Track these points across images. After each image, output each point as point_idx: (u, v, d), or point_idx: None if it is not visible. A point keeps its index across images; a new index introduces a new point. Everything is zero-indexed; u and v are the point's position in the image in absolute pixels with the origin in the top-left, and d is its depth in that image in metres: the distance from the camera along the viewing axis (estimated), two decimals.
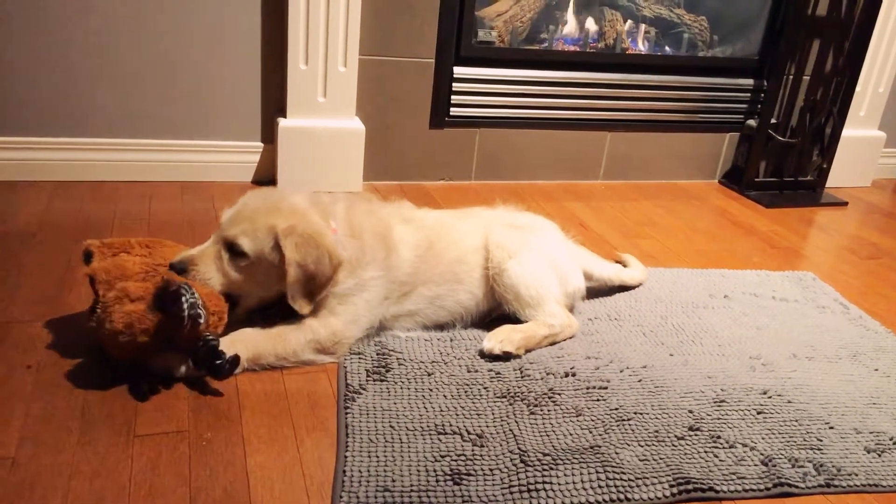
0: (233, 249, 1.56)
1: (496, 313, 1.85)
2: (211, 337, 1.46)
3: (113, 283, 1.48)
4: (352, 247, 1.65)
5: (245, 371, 1.57)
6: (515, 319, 1.80)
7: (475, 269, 1.81)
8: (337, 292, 1.63)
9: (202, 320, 1.43)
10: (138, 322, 1.41)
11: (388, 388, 1.55)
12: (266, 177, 2.70)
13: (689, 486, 1.35)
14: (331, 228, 1.63)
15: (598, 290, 2.08)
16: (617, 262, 2.21)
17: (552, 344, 1.79)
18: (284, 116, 2.59)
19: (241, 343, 1.55)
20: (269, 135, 2.67)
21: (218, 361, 1.45)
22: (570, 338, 1.83)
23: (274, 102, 2.65)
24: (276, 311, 1.65)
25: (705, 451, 1.45)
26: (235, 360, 1.48)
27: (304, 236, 1.54)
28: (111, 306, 1.43)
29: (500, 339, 1.70)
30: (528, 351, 1.73)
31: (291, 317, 1.62)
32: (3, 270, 1.88)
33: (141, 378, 1.49)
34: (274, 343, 1.58)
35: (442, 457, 1.36)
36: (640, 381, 1.67)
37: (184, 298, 1.41)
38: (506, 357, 1.69)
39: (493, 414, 1.50)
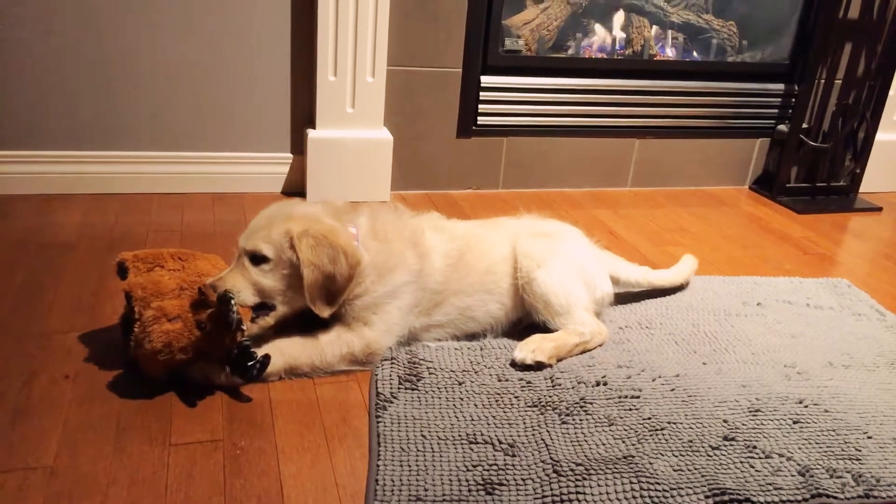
0: (254, 258, 1.58)
1: (526, 322, 1.84)
2: (246, 341, 1.50)
3: (149, 301, 1.50)
4: (376, 250, 1.66)
5: (280, 379, 1.59)
6: (544, 328, 1.79)
7: (504, 279, 1.81)
8: (369, 302, 1.64)
9: (244, 326, 1.49)
10: (176, 341, 1.45)
11: (419, 397, 1.56)
12: (296, 187, 2.72)
13: (726, 497, 1.33)
14: (349, 232, 1.65)
15: (628, 298, 2.07)
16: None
17: (583, 352, 1.78)
18: (313, 127, 2.61)
19: (279, 353, 1.57)
20: (298, 146, 2.70)
21: (250, 363, 1.49)
22: (600, 345, 1.82)
23: (303, 114, 2.67)
24: (311, 321, 1.66)
25: (741, 462, 1.43)
26: (266, 360, 1.51)
27: (317, 237, 1.56)
28: (150, 326, 1.45)
29: (531, 348, 1.70)
30: (559, 360, 1.73)
31: (326, 324, 1.63)
32: (41, 282, 1.92)
33: (180, 387, 1.52)
34: (310, 355, 1.60)
35: (474, 466, 1.36)
36: (672, 390, 1.65)
37: (233, 301, 1.47)
38: (538, 367, 1.69)
39: (524, 423, 1.50)
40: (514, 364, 1.69)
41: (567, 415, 1.53)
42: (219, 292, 1.49)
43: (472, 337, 1.80)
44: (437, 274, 1.73)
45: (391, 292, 1.67)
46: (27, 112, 2.42)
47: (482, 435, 1.45)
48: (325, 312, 1.59)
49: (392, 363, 1.66)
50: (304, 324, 1.67)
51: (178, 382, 1.53)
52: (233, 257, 1.64)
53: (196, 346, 1.48)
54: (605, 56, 3.03)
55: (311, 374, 1.61)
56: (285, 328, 1.67)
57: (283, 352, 1.58)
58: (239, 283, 1.57)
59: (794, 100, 3.14)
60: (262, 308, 1.60)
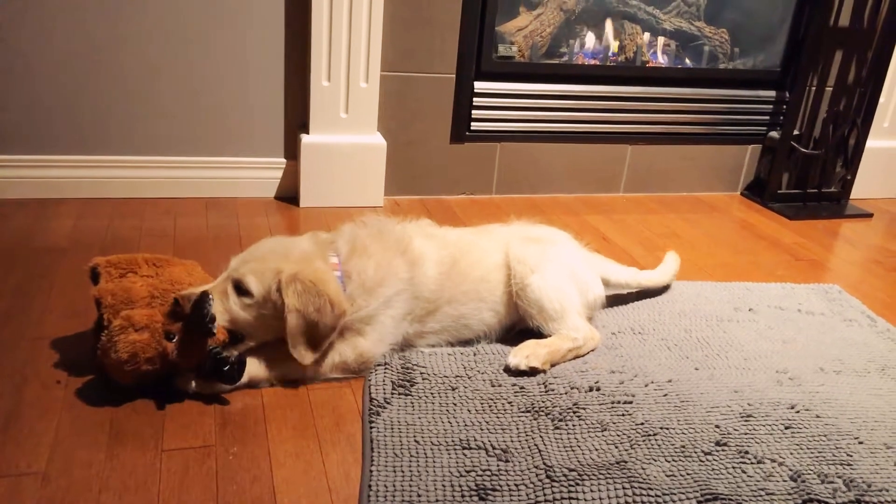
0: (239, 288, 1.55)
1: (519, 327, 1.85)
2: (215, 348, 1.49)
3: (118, 308, 1.49)
4: (359, 268, 1.64)
5: (272, 386, 1.59)
6: (538, 333, 1.80)
7: (499, 287, 1.81)
8: (361, 315, 1.63)
9: (214, 330, 1.48)
10: (142, 351, 1.44)
11: (412, 403, 1.56)
12: (289, 192, 2.72)
13: (717, 502, 1.33)
14: (332, 265, 1.63)
15: (620, 304, 2.08)
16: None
17: (576, 357, 1.78)
18: (307, 132, 2.61)
19: (269, 362, 1.57)
20: (291, 151, 2.70)
21: (226, 367, 1.48)
22: (593, 350, 1.82)
23: (297, 119, 2.68)
24: None
25: (733, 467, 1.43)
26: (242, 358, 1.51)
27: (305, 284, 1.53)
28: (116, 336, 1.44)
29: (525, 354, 1.70)
30: (553, 365, 1.73)
31: None
32: (33, 287, 1.91)
33: (172, 393, 1.52)
34: (299, 365, 1.58)
35: (467, 472, 1.36)
36: (665, 395, 1.66)
37: (208, 304, 1.46)
38: (532, 372, 1.69)
39: (517, 429, 1.50)
40: (508, 370, 1.70)
41: (560, 420, 1.53)
42: (196, 297, 1.47)
43: (465, 343, 1.80)
44: (430, 282, 1.72)
45: (383, 304, 1.66)
46: (20, 117, 2.41)
47: (475, 440, 1.45)
48: (307, 359, 1.55)
49: (385, 368, 1.66)
50: None
51: (153, 390, 1.52)
52: (222, 265, 1.63)
53: (163, 356, 1.46)
54: (598, 63, 3.04)
55: (304, 383, 1.61)
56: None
57: (275, 361, 1.58)
58: (216, 304, 1.54)
59: (785, 106, 3.17)
60: (232, 340, 1.57)
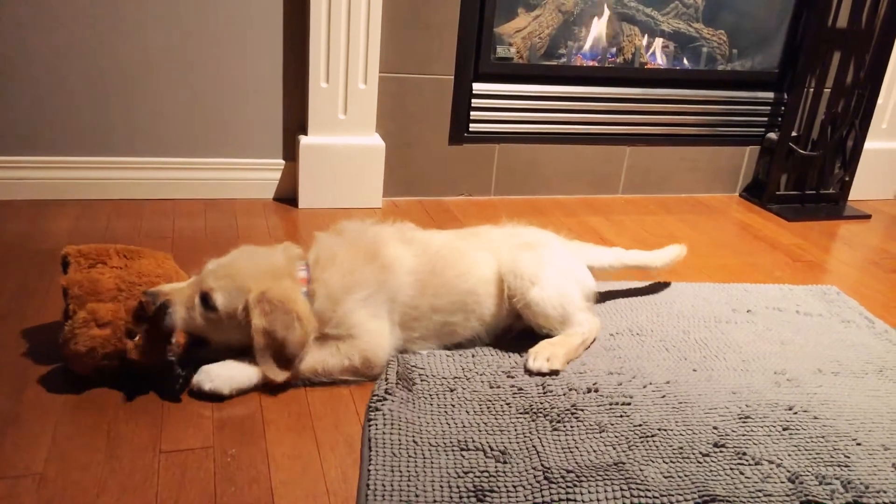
0: (206, 301, 1.55)
1: (517, 329, 1.85)
2: (171, 356, 1.50)
3: (84, 299, 1.49)
4: (328, 280, 1.62)
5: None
6: (541, 334, 1.80)
7: (488, 300, 1.78)
8: (338, 321, 1.62)
9: (172, 340, 1.50)
10: (101, 347, 1.46)
11: (410, 403, 1.56)
12: (288, 194, 2.72)
13: None
14: (301, 280, 1.62)
15: (619, 305, 2.08)
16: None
17: (586, 349, 1.82)
18: (305, 134, 2.61)
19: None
20: (290, 152, 2.70)
21: (173, 377, 1.50)
22: (596, 339, 1.86)
23: (295, 120, 2.68)
24: None
25: (731, 468, 1.44)
26: (189, 374, 1.52)
27: (272, 303, 1.52)
28: (79, 328, 1.45)
29: (545, 357, 1.71)
30: (569, 362, 1.76)
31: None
32: (32, 288, 1.91)
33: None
34: (313, 366, 1.59)
35: (465, 473, 1.36)
36: (663, 396, 1.66)
37: (168, 315, 1.50)
38: (553, 374, 1.70)
39: (515, 430, 1.50)
40: (529, 373, 1.70)
41: (558, 421, 1.54)
42: (158, 302, 1.49)
43: (460, 345, 1.80)
44: (405, 287, 1.69)
45: (353, 307, 1.63)
46: (19, 118, 2.41)
47: (473, 441, 1.45)
48: (279, 377, 1.54)
49: (384, 369, 1.66)
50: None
51: (151, 391, 1.53)
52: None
53: (122, 354, 1.48)
54: (597, 64, 3.05)
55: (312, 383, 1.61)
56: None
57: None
58: (180, 309, 1.54)
59: (783, 108, 3.17)
60: (196, 342, 1.59)
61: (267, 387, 1.57)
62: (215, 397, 1.52)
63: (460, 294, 1.75)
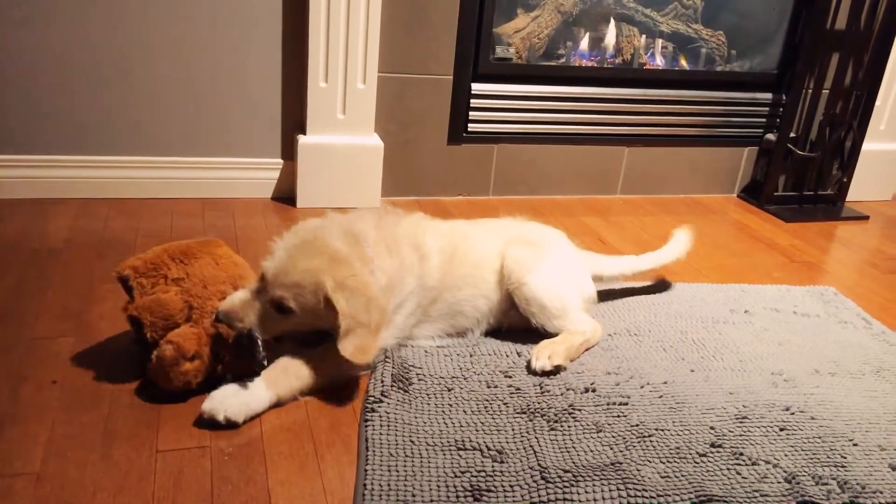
0: (281, 308, 1.52)
1: (506, 327, 1.87)
2: (264, 362, 1.53)
3: (159, 325, 1.51)
4: (391, 268, 1.64)
5: (295, 400, 1.56)
6: (541, 334, 1.81)
7: (490, 275, 1.83)
8: None
9: (266, 363, 1.52)
10: (195, 378, 1.49)
11: (408, 403, 1.56)
12: (286, 193, 2.72)
13: None
14: (370, 263, 1.60)
15: (616, 305, 2.08)
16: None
17: (587, 350, 1.82)
18: (304, 133, 2.61)
19: (294, 376, 1.54)
20: (289, 151, 2.70)
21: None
22: (597, 343, 1.85)
23: (294, 120, 2.68)
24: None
25: (727, 469, 1.44)
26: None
27: (352, 290, 1.51)
28: (169, 367, 1.46)
29: (547, 354, 1.71)
30: (571, 361, 1.76)
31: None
32: (30, 287, 1.91)
33: (168, 394, 1.52)
34: (327, 369, 1.58)
35: (462, 472, 1.36)
36: (660, 397, 1.66)
37: (259, 347, 1.51)
38: (556, 371, 1.71)
39: (512, 430, 1.50)
40: (533, 373, 1.70)
41: (555, 421, 1.54)
42: (241, 331, 1.50)
43: (460, 334, 1.82)
44: (435, 271, 1.74)
45: (400, 303, 1.68)
46: (17, 117, 2.41)
47: (470, 441, 1.45)
48: (360, 359, 1.53)
49: (383, 365, 1.67)
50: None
51: (149, 390, 1.53)
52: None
53: (213, 374, 1.52)
54: (595, 64, 3.05)
55: (327, 386, 1.59)
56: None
57: (298, 374, 1.55)
58: (255, 323, 1.52)
59: (781, 109, 3.17)
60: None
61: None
62: (230, 426, 1.45)
63: (470, 266, 1.79)
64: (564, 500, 1.31)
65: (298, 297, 1.51)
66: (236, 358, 1.53)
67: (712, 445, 1.50)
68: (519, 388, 1.64)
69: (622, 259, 2.10)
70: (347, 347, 1.51)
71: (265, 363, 1.52)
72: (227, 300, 1.52)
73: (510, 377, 1.69)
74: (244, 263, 1.71)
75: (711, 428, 1.56)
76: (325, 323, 1.55)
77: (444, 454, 1.41)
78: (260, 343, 1.51)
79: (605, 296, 2.13)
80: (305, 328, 1.60)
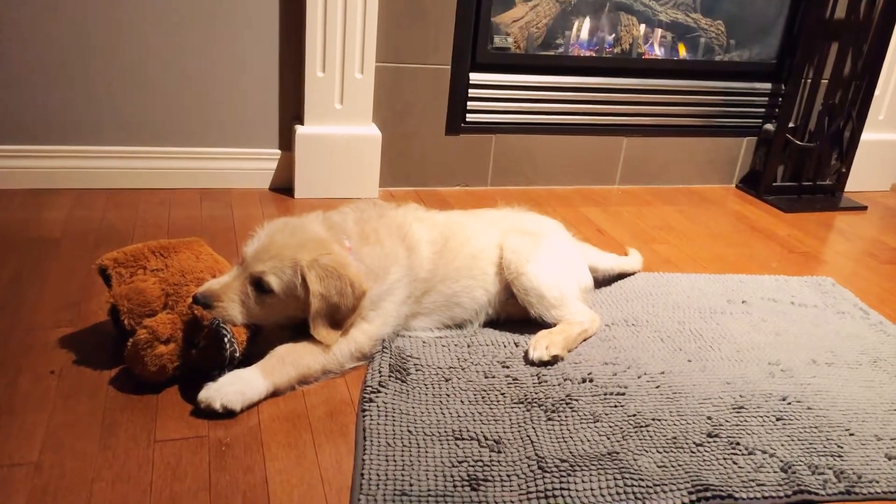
0: (260, 286, 1.54)
1: (503, 317, 1.87)
2: (236, 353, 1.52)
3: (136, 312, 1.51)
4: (371, 255, 1.66)
5: (293, 390, 1.56)
6: (539, 324, 1.81)
7: (489, 266, 1.83)
8: (367, 301, 1.64)
9: (238, 355, 1.51)
10: (170, 363, 1.48)
11: (406, 393, 1.56)
12: (284, 183, 2.72)
13: (708, 493, 1.34)
14: (346, 249, 1.63)
15: (614, 296, 2.08)
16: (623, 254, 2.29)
17: (585, 340, 1.82)
18: (302, 123, 2.61)
19: (291, 365, 1.54)
20: (286, 142, 2.70)
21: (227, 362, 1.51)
22: (595, 334, 1.86)
23: (291, 110, 2.67)
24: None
25: (724, 458, 1.44)
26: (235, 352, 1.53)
27: (326, 268, 1.54)
28: (143, 350, 1.45)
29: (545, 345, 1.72)
30: (569, 351, 1.76)
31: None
32: (27, 278, 1.91)
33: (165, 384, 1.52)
34: (318, 358, 1.58)
35: (459, 462, 1.36)
36: (658, 387, 1.66)
37: (226, 340, 1.49)
38: (554, 361, 1.71)
39: (510, 420, 1.50)
40: (531, 363, 1.71)
41: (553, 411, 1.54)
42: (211, 323, 1.49)
43: (458, 325, 1.82)
44: (425, 262, 1.74)
45: (388, 290, 1.68)
46: (13, 107, 2.40)
47: (468, 431, 1.45)
48: (330, 339, 1.57)
49: (380, 358, 1.67)
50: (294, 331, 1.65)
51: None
52: (223, 255, 1.63)
53: (188, 361, 1.51)
54: (594, 54, 3.04)
55: (321, 379, 1.59)
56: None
57: (294, 362, 1.55)
58: (235, 306, 1.53)
59: (780, 99, 3.17)
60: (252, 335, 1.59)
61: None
62: (227, 414, 1.45)
63: (465, 258, 1.80)
64: (561, 489, 1.31)
65: (277, 271, 1.53)
66: (208, 347, 1.51)
67: (709, 435, 1.50)
68: (516, 379, 1.65)
69: (611, 256, 2.17)
70: (317, 328, 1.54)
71: (237, 355, 1.50)
72: (206, 284, 1.55)
73: (508, 367, 1.69)
74: (226, 262, 1.72)
75: (708, 418, 1.56)
76: (299, 308, 1.56)
77: (441, 444, 1.41)
78: (228, 335, 1.49)
79: (602, 286, 2.13)
80: (287, 316, 1.59)
